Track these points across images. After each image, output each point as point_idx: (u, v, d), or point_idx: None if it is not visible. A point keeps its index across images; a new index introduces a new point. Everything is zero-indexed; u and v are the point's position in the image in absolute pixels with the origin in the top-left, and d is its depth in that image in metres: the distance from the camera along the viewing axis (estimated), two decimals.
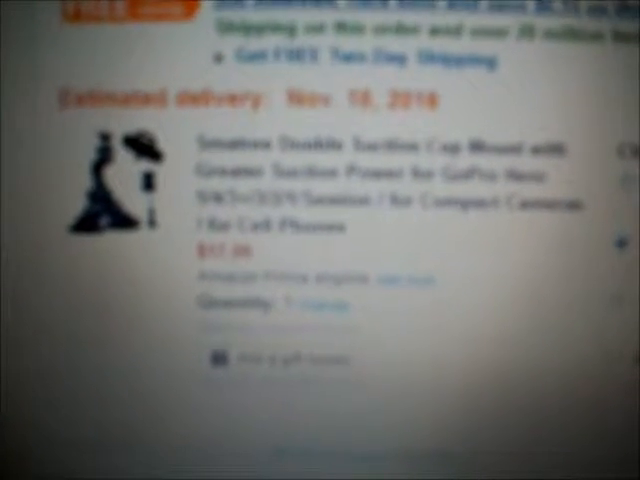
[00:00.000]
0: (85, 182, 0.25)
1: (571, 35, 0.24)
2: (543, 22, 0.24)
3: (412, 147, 0.25)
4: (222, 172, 0.25)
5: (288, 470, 0.27)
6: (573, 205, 0.25)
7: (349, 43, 0.25)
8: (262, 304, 0.26)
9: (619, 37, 0.25)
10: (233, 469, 0.27)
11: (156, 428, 0.27)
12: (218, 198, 0.25)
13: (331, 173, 0.25)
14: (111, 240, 0.26)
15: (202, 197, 0.25)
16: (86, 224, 0.26)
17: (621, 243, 0.26)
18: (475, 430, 0.27)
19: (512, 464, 0.27)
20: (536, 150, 0.25)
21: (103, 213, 0.25)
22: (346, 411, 0.27)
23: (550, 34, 0.24)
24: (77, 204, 0.26)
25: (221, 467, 0.27)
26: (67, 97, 0.25)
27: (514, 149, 0.25)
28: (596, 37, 0.24)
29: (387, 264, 0.26)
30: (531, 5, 0.24)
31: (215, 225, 0.25)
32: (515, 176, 0.25)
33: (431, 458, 0.27)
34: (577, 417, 0.26)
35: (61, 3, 0.25)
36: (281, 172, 0.25)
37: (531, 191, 0.25)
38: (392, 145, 0.25)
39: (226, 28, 0.24)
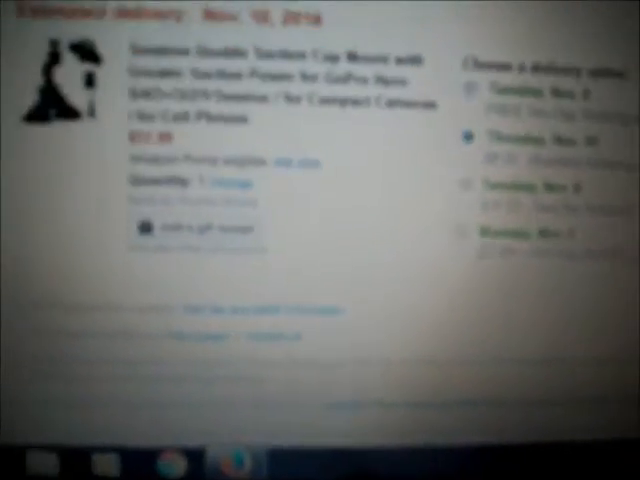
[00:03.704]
0: (37, 80, 0.33)
1: None
2: None
3: (301, 56, 0.34)
4: (150, 73, 0.33)
5: (198, 322, 0.35)
6: (428, 105, 0.34)
7: None
8: (181, 182, 0.34)
9: None
10: (151, 322, 0.34)
11: (91, 288, 0.34)
12: (146, 94, 0.33)
13: (237, 76, 0.34)
14: (58, 128, 0.33)
15: (133, 93, 0.33)
16: (37, 115, 0.33)
17: (467, 137, 0.34)
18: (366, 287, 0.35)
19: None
20: (399, 60, 0.34)
21: (51, 105, 0.33)
22: (250, 272, 0.34)
23: None
24: (30, 99, 0.33)
25: (143, 319, 0.34)
26: (23, 9, 0.33)
27: (382, 59, 0.34)
28: None
29: (282, 149, 0.34)
30: None
31: (143, 116, 0.33)
32: (383, 81, 0.34)
33: (326, 312, 0.35)
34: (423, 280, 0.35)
35: None
36: (197, 74, 0.33)
37: (395, 93, 0.34)
38: (285, 54, 0.33)
39: None
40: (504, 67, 0.35)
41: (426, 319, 0.36)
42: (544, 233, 0.36)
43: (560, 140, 0.35)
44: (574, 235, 0.36)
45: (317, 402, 0.36)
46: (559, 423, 0.37)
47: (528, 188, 0.35)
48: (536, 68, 0.35)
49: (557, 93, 0.35)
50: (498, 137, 0.35)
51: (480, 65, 0.34)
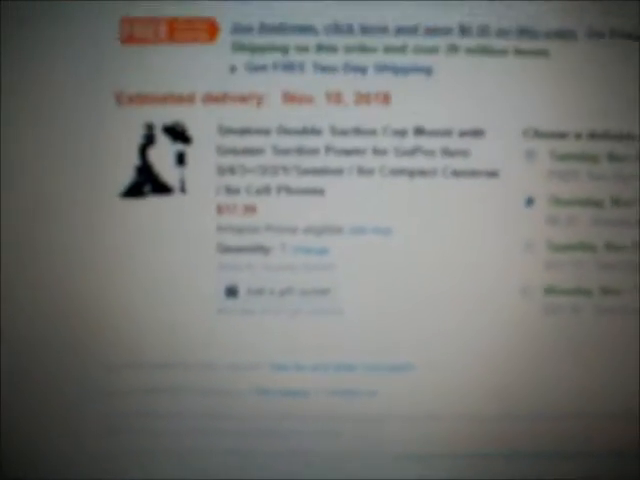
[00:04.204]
0: (133, 160, 0.37)
1: (484, 51, 0.36)
2: (464, 42, 0.36)
3: (372, 132, 0.37)
4: (235, 151, 0.37)
5: (282, 379, 0.37)
6: (491, 174, 0.37)
7: (326, 59, 0.36)
8: (264, 250, 0.37)
9: (519, 53, 0.36)
10: (239, 379, 0.37)
11: (182, 347, 0.37)
12: (232, 170, 0.37)
13: (314, 152, 0.37)
14: (152, 203, 0.37)
15: (220, 170, 0.37)
16: (133, 191, 0.37)
17: (529, 202, 0.37)
18: (437, 346, 0.37)
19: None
20: (463, 133, 0.37)
21: (146, 182, 0.37)
22: (328, 332, 0.37)
23: (470, 50, 0.36)
24: (127, 176, 0.37)
25: (231, 377, 0.37)
26: (121, 97, 0.37)
27: (447, 133, 0.37)
28: (502, 52, 0.36)
29: (356, 218, 0.37)
30: (455, 29, 0.36)
31: (230, 190, 0.37)
32: (448, 153, 0.37)
33: (400, 369, 0.37)
34: (491, 339, 0.37)
35: (119, 30, 0.36)
36: (278, 151, 0.37)
37: (460, 164, 0.37)
38: (358, 131, 0.37)
39: (238, 48, 0.37)
40: (562, 135, 0.37)
41: (493, 375, 0.38)
42: (606, 291, 0.38)
43: (618, 202, 0.38)
44: (635, 292, 0.38)
45: (390, 455, 0.39)
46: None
47: (589, 248, 0.38)
48: (592, 135, 0.37)
49: (613, 158, 0.37)
50: (558, 201, 0.37)
51: (540, 134, 0.37)
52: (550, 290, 0.38)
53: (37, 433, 0.39)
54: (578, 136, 0.37)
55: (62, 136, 0.37)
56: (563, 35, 0.37)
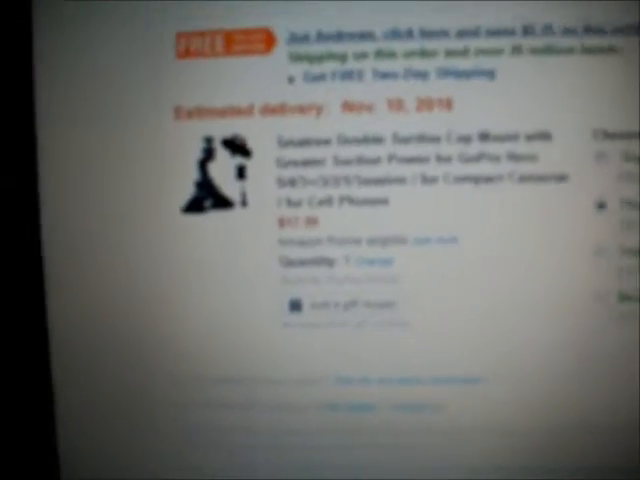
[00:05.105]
0: (193, 174, 0.36)
1: (550, 50, 0.35)
2: (528, 42, 0.35)
3: (435, 139, 0.36)
4: (295, 163, 0.36)
5: (347, 394, 0.37)
6: (560, 178, 0.36)
7: (385, 65, 0.36)
8: (327, 262, 0.37)
9: (586, 50, 0.35)
10: (306, 393, 0.37)
11: (246, 362, 0.37)
12: (292, 182, 0.36)
13: (376, 161, 0.36)
14: (213, 217, 0.37)
15: (281, 182, 0.36)
16: (194, 206, 0.37)
17: (600, 206, 0.36)
18: (508, 357, 0.36)
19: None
20: (529, 137, 0.36)
21: (207, 197, 0.37)
22: (394, 345, 0.37)
23: (534, 50, 0.35)
24: (187, 191, 0.37)
25: (298, 391, 0.37)
26: (180, 112, 0.37)
27: (512, 137, 0.36)
28: (568, 51, 0.35)
29: (420, 228, 0.36)
30: (519, 29, 0.35)
31: (291, 203, 0.37)
32: (514, 157, 0.36)
33: (465, 382, 0.37)
34: (564, 348, 0.36)
35: (175, 45, 0.36)
36: (339, 161, 0.36)
37: (527, 169, 0.36)
38: (421, 138, 0.36)
39: (296, 58, 0.36)
40: (633, 136, 0.36)
41: (566, 387, 0.37)
42: None
43: None
44: None
45: (458, 469, 0.38)
46: None
47: None
48: None
49: None
50: (631, 204, 0.36)
51: (610, 135, 0.36)
52: (624, 297, 0.36)
53: (102, 445, 0.39)
54: None
55: (121, 153, 0.37)
56: (631, 31, 0.36)
